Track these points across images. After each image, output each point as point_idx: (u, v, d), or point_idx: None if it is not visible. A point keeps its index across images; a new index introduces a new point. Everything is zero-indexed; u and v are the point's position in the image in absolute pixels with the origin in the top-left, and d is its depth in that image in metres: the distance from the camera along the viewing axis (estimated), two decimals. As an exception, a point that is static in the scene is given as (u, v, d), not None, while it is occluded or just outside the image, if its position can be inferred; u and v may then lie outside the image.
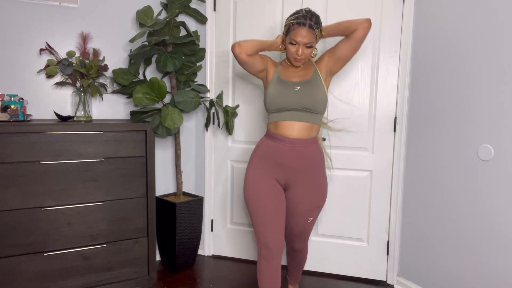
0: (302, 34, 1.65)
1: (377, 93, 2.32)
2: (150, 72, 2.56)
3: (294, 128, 1.73)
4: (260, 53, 2.19)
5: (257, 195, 1.75)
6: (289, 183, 1.79)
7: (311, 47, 1.69)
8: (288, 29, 1.70)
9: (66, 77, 2.29)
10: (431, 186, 2.13)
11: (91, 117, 2.28)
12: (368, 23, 1.68)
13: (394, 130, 2.31)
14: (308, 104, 1.70)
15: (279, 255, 1.74)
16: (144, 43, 2.34)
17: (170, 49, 2.37)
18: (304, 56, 1.70)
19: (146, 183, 2.23)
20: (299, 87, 1.73)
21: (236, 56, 1.73)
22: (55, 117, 2.33)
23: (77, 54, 2.32)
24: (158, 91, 2.22)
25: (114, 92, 2.46)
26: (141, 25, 2.42)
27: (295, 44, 1.69)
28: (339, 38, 2.16)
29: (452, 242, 2.02)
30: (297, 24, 1.65)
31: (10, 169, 1.89)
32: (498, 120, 1.79)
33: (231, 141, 2.67)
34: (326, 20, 2.33)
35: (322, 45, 2.36)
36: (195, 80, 2.58)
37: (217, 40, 2.61)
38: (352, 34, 1.70)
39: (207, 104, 2.63)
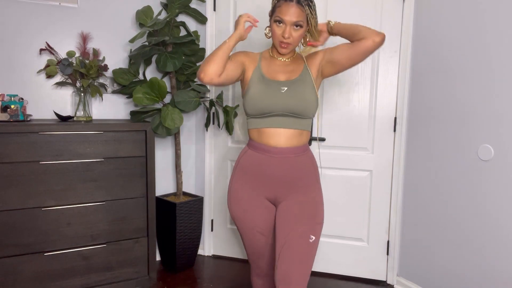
0: (290, 12, 1.38)
1: (377, 93, 2.32)
2: (150, 72, 2.56)
3: (281, 136, 1.47)
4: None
5: (244, 216, 1.54)
6: (279, 198, 1.53)
7: (300, 27, 1.42)
8: (274, 7, 1.44)
9: (66, 77, 2.29)
10: (431, 186, 2.13)
11: (91, 117, 2.28)
12: (380, 38, 1.40)
13: (394, 130, 2.31)
14: (296, 108, 1.44)
15: (272, 271, 1.68)
16: (144, 43, 2.34)
17: (170, 49, 2.37)
18: (292, 40, 1.43)
19: (146, 183, 2.23)
20: (286, 88, 1.45)
21: (209, 84, 1.43)
22: (55, 117, 2.33)
23: (77, 54, 2.32)
24: (158, 91, 2.22)
25: (114, 92, 2.46)
26: (141, 25, 2.42)
27: (281, 24, 1.42)
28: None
29: (452, 242, 2.02)
30: (283, 0, 1.40)
31: (10, 169, 1.89)
32: (498, 120, 1.79)
33: (231, 141, 2.67)
34: (326, 20, 2.33)
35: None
36: (195, 80, 2.58)
37: (217, 40, 2.61)
38: (358, 42, 1.41)
39: (207, 104, 2.63)
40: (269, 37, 1.54)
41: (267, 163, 1.48)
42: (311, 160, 1.54)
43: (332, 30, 1.51)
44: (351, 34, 1.45)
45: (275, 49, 1.53)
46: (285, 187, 1.50)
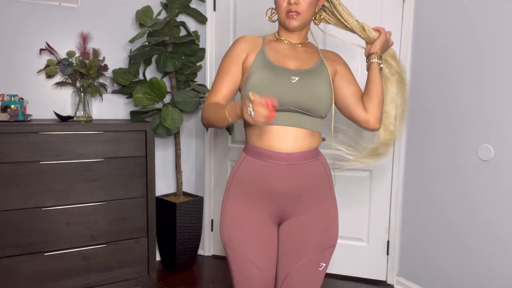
0: None
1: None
2: (150, 72, 2.56)
3: (287, 137, 1.19)
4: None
5: (239, 245, 1.22)
6: (285, 216, 1.25)
7: None
8: None
9: (66, 77, 2.29)
10: (431, 186, 2.13)
11: (91, 117, 2.28)
12: (373, 127, 1.30)
13: (394, 130, 2.31)
14: (308, 104, 1.19)
15: None
16: (144, 44, 2.34)
17: (170, 49, 2.37)
18: (301, 7, 1.19)
19: (146, 183, 2.23)
20: (297, 79, 1.19)
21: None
22: (55, 117, 2.33)
23: (77, 54, 2.32)
24: (158, 91, 2.22)
25: (114, 92, 2.46)
26: (141, 25, 2.42)
27: None
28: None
29: (452, 242, 2.02)
30: None
31: (10, 169, 1.89)
32: (498, 120, 1.79)
33: (231, 141, 2.67)
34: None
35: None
36: (195, 80, 2.58)
37: (217, 40, 2.61)
38: (362, 106, 1.27)
39: (207, 104, 2.62)
40: (274, 21, 1.32)
41: (271, 173, 1.20)
42: (324, 167, 1.27)
43: (370, 67, 1.29)
44: (369, 89, 1.27)
45: (282, 28, 1.28)
46: (293, 202, 1.23)
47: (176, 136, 2.51)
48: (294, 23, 1.20)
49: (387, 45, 1.32)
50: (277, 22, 1.31)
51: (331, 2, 1.28)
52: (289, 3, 1.19)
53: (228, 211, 1.25)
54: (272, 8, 1.31)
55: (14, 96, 2.02)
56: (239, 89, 1.28)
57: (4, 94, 2.01)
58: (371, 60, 1.29)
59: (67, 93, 2.35)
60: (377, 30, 1.30)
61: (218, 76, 1.26)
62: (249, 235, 1.22)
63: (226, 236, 1.24)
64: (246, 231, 1.22)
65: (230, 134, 2.56)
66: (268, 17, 1.32)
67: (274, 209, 1.23)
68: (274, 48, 1.26)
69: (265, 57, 1.22)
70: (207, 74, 2.63)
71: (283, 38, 1.28)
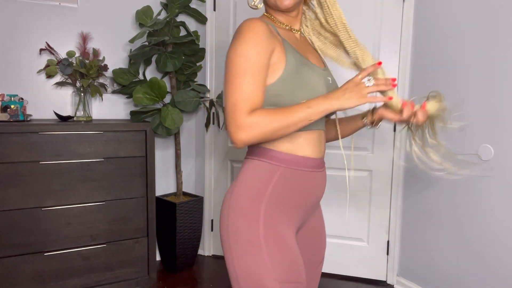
0: None
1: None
2: (150, 72, 2.56)
3: (322, 141, 1.06)
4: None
5: (298, 274, 0.96)
6: (302, 225, 1.12)
7: None
8: None
9: (66, 77, 2.29)
10: (431, 185, 2.13)
11: (91, 117, 2.28)
12: None
13: (394, 130, 2.31)
14: None
15: None
16: (144, 43, 2.34)
17: (170, 49, 2.37)
18: None
19: (146, 183, 2.23)
20: (330, 79, 1.06)
21: None
22: (55, 117, 2.33)
23: (77, 54, 2.32)
24: (158, 91, 2.22)
25: (114, 92, 2.46)
26: (141, 25, 2.42)
27: None
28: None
29: (452, 242, 2.02)
30: None
31: (10, 169, 1.89)
32: (498, 120, 1.79)
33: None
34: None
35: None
36: (195, 80, 2.58)
37: (217, 40, 2.61)
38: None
39: (207, 104, 2.63)
40: (258, 7, 1.11)
41: (309, 183, 1.03)
42: None
43: (356, 119, 1.18)
44: (329, 131, 1.23)
45: (279, 12, 1.06)
46: (312, 211, 1.11)
47: (176, 136, 2.51)
48: (286, 1, 0.99)
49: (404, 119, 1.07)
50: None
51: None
52: None
53: (272, 242, 0.95)
54: None
55: (14, 96, 2.03)
56: (268, 84, 0.98)
57: (4, 94, 2.01)
58: (364, 119, 1.14)
59: (67, 93, 2.35)
60: (403, 104, 1.05)
61: (248, 74, 0.90)
62: (297, 257, 0.98)
63: (279, 272, 0.93)
64: (294, 255, 0.97)
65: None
66: (252, 5, 1.10)
67: (299, 221, 1.05)
68: (287, 37, 1.04)
69: (295, 51, 0.99)
70: (207, 74, 2.63)
71: (284, 25, 1.06)
